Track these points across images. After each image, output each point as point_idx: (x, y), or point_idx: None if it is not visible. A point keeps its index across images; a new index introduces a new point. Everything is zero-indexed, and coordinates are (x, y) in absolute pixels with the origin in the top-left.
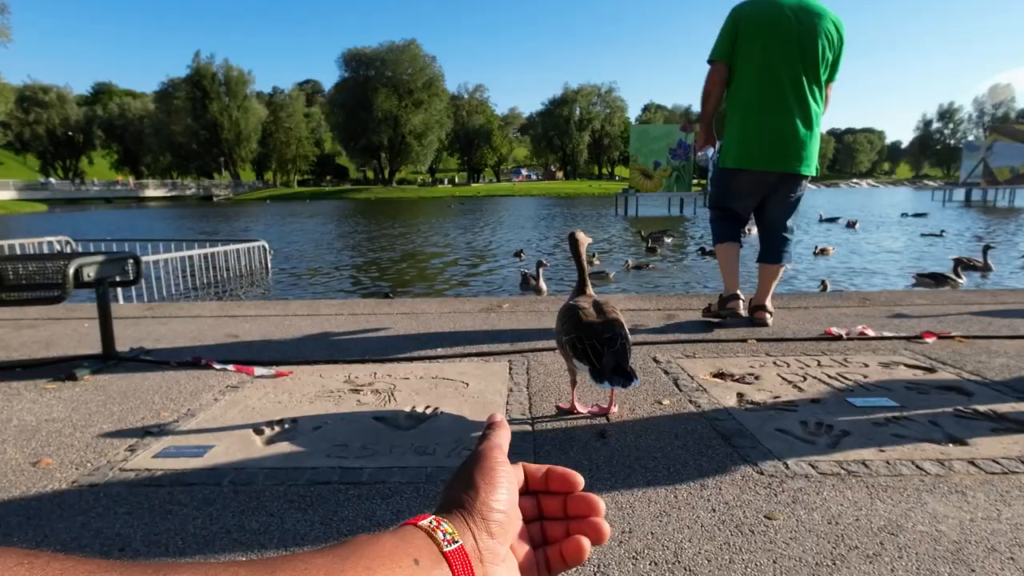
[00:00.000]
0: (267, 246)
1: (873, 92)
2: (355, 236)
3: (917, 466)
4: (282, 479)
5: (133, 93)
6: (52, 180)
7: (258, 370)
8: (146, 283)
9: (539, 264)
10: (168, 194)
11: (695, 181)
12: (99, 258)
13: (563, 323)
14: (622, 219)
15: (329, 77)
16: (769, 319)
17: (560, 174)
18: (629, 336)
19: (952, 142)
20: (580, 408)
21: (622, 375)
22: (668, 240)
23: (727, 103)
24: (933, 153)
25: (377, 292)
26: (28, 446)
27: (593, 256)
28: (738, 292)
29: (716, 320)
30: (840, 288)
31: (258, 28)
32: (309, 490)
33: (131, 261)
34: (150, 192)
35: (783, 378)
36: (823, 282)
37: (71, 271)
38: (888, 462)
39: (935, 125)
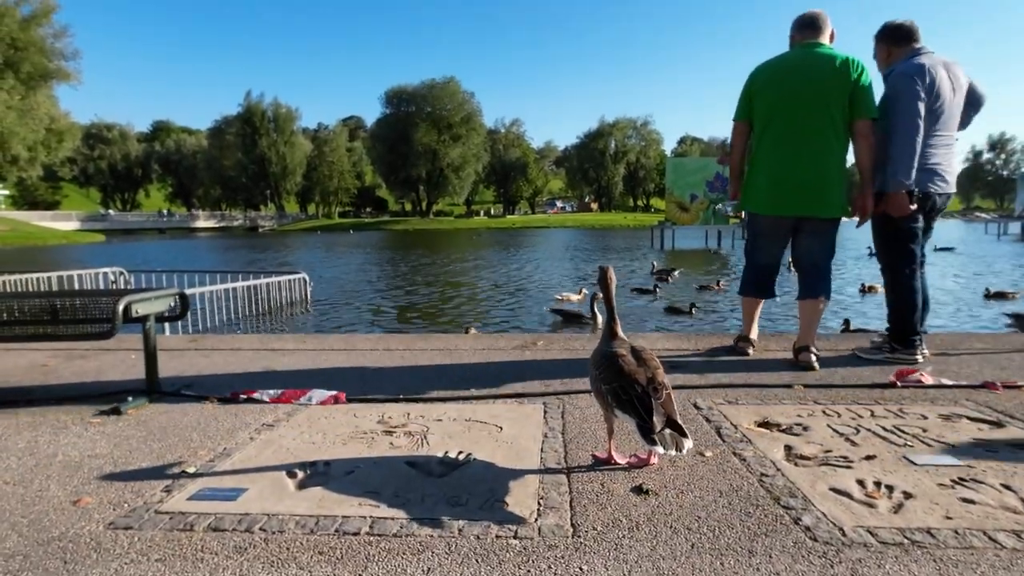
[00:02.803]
0: (307, 278)
1: None
2: (394, 268)
3: (990, 537)
4: (312, 528)
5: (189, 130)
6: (111, 212)
7: (300, 399)
8: (191, 314)
9: (593, 297)
10: (217, 225)
11: (731, 214)
12: (147, 295)
13: (601, 370)
14: (658, 252)
15: (371, 113)
16: (814, 360)
17: (595, 206)
18: (670, 386)
19: (1005, 173)
20: (618, 458)
21: (674, 429)
22: (677, 274)
23: (750, 156)
24: (985, 184)
25: (408, 328)
26: (70, 483)
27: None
28: (750, 337)
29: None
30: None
31: (306, 67)
32: (339, 541)
33: (177, 297)
34: (200, 223)
35: (834, 429)
36: (846, 321)
37: (120, 308)
38: (957, 532)
39: (986, 156)
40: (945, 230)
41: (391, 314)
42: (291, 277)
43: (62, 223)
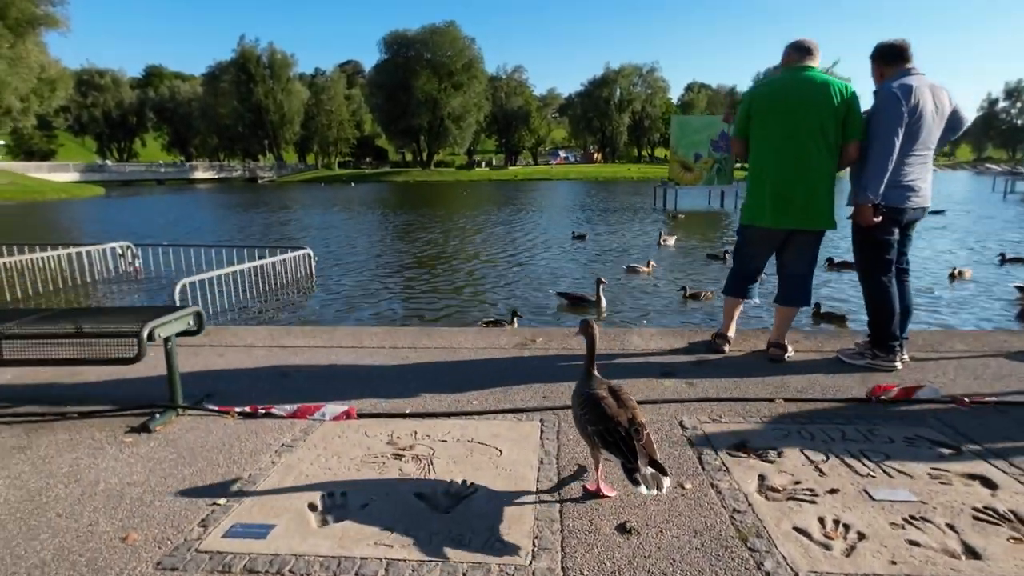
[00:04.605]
0: (311, 253)
1: (931, 69)
2: (396, 231)
3: None
4: (335, 570)
5: (182, 76)
6: (109, 162)
7: (315, 414)
8: (201, 295)
9: (598, 281)
10: (216, 176)
11: (738, 165)
12: (168, 318)
13: (585, 411)
14: (660, 212)
15: (369, 57)
16: (785, 356)
17: (599, 156)
18: (647, 425)
19: (1020, 122)
20: (606, 491)
21: (656, 468)
22: (671, 241)
23: (749, 170)
24: (998, 134)
25: (411, 306)
26: (116, 516)
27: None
28: (728, 335)
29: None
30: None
31: (301, 7)
32: None
33: (194, 316)
34: (199, 174)
35: (806, 456)
36: (816, 305)
37: (145, 334)
38: None
39: (1001, 104)
40: (951, 183)
41: (394, 291)
42: (296, 254)
43: (60, 174)
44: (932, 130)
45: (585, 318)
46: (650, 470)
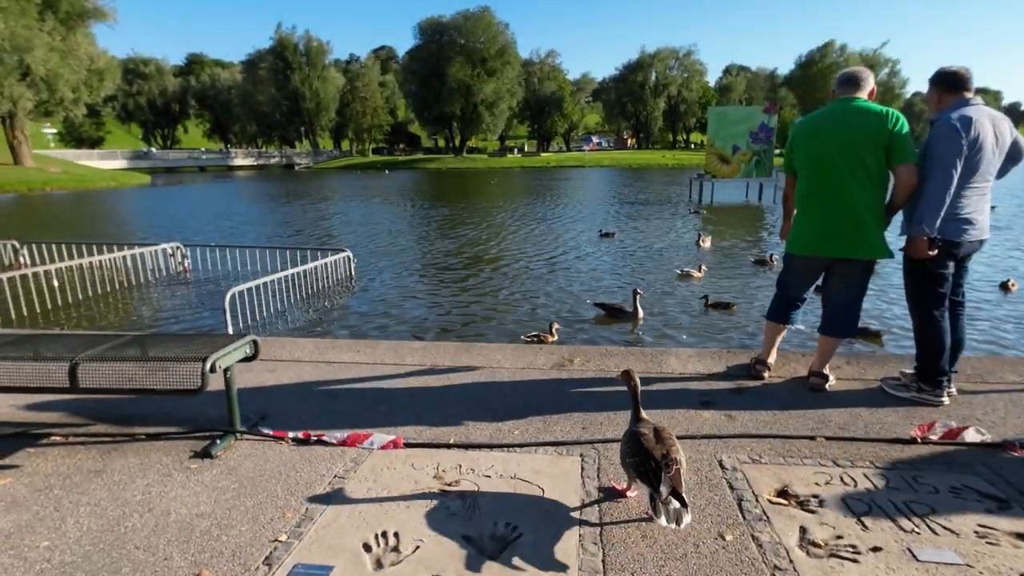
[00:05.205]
0: (351, 256)
1: (988, 49)
2: (431, 227)
3: None
4: None
5: (222, 63)
6: (153, 149)
7: (364, 443)
8: (250, 301)
9: (635, 292)
10: (254, 163)
11: (777, 152)
12: (227, 349)
13: (628, 446)
14: (696, 207)
15: (402, 41)
16: (826, 385)
17: (632, 141)
18: (683, 461)
19: None
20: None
21: (679, 501)
22: (707, 242)
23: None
24: None
25: (448, 326)
26: (188, 551)
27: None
28: (768, 361)
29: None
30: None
31: None
32: None
33: (251, 344)
34: (238, 161)
35: (848, 506)
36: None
37: (207, 367)
38: None
39: None
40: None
41: (431, 295)
42: (336, 257)
43: (108, 162)
44: (992, 162)
45: (626, 369)
46: (674, 504)
